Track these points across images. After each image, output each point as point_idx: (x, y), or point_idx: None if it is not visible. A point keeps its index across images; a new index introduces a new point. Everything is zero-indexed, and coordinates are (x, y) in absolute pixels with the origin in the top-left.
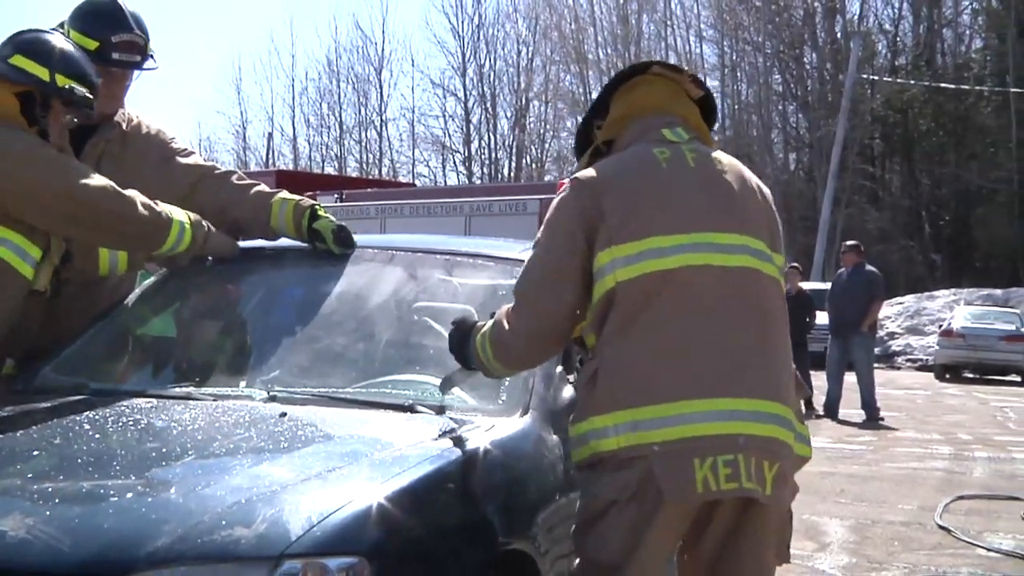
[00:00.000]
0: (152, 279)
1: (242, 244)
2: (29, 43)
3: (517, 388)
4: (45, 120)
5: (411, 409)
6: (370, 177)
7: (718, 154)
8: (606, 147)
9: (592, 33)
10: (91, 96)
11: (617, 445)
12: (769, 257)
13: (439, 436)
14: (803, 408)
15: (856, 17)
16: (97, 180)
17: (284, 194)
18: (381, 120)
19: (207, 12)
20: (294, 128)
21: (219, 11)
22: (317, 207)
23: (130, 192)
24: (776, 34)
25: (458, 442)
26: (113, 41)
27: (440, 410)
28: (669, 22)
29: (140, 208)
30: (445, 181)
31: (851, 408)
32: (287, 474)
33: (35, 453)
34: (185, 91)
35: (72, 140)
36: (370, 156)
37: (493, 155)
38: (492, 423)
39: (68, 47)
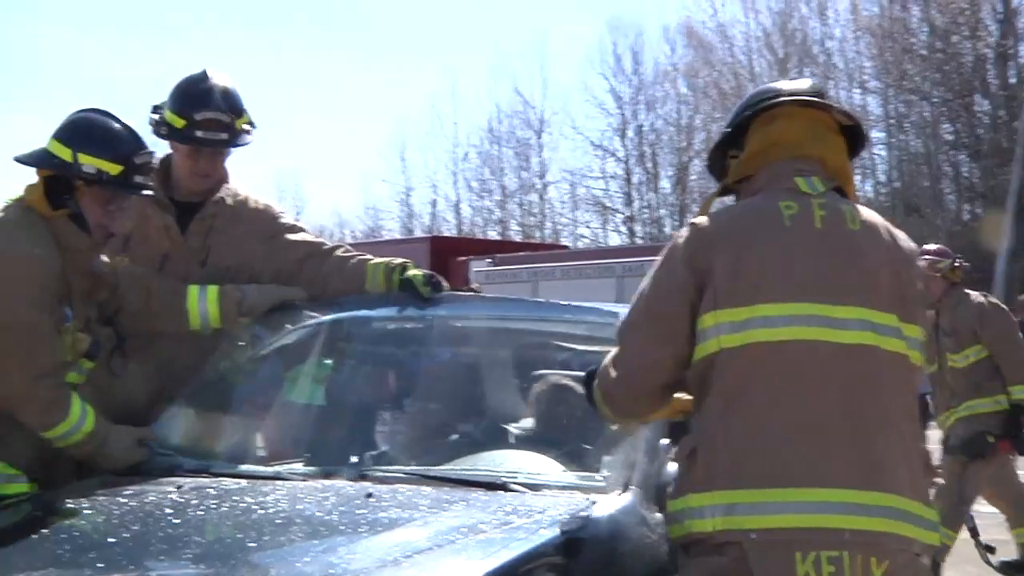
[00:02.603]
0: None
1: (344, 316)
2: (65, 126)
3: (618, 463)
4: (72, 203)
5: (504, 487)
6: (532, 240)
7: (854, 211)
8: (736, 185)
9: (751, 89)
10: (128, 175)
11: (712, 528)
12: (896, 332)
13: (532, 516)
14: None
15: None
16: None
17: (380, 259)
18: (542, 183)
19: (372, 84)
20: (457, 193)
21: (384, 82)
22: (408, 263)
23: (46, 364)
24: (944, 82)
25: (553, 522)
26: (196, 119)
27: (535, 488)
28: (830, 75)
29: (39, 386)
30: (607, 242)
31: None
32: (363, 561)
33: (110, 540)
34: (352, 161)
35: (178, 218)
36: (532, 219)
37: (655, 215)
38: (591, 501)
39: (107, 127)
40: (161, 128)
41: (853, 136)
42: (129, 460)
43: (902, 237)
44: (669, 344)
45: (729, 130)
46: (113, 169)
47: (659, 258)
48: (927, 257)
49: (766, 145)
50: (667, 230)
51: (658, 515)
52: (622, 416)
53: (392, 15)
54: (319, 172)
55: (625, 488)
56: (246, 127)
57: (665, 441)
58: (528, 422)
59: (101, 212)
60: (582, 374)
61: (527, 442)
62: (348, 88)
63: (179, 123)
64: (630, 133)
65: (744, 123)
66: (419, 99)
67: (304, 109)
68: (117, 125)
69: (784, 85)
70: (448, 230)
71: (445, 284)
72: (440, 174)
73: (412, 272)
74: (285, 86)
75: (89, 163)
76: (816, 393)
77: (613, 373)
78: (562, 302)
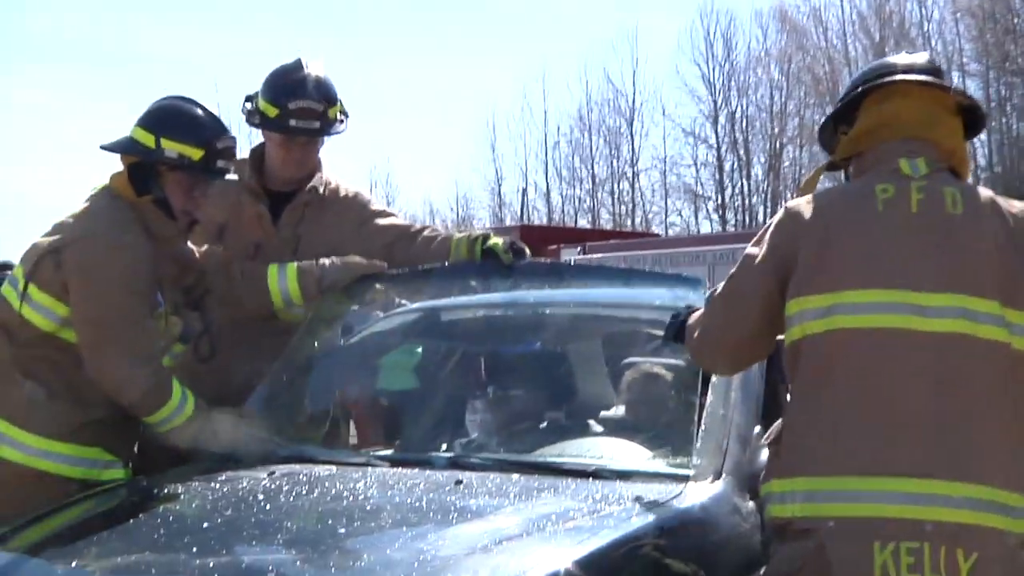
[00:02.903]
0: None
1: (434, 304)
2: (148, 112)
3: (710, 451)
4: (159, 189)
5: (595, 475)
6: (623, 229)
7: (960, 194)
8: (844, 163)
9: (846, 74)
10: (210, 159)
11: (792, 514)
12: (997, 319)
13: (623, 504)
14: None
15: None
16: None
17: (464, 233)
18: (633, 171)
19: (462, 74)
20: (547, 182)
21: (474, 72)
22: (490, 234)
23: (145, 353)
24: None
25: (644, 511)
26: (290, 108)
27: (625, 476)
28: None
29: (139, 371)
30: (698, 230)
31: None
32: (452, 548)
33: (206, 525)
34: (443, 151)
35: (271, 207)
36: (623, 207)
37: (747, 202)
38: (682, 489)
39: (189, 113)
40: (254, 117)
41: (970, 117)
42: (230, 444)
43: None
44: (738, 322)
45: (840, 105)
46: (195, 154)
47: (759, 234)
48: None
49: (877, 124)
50: (760, 217)
51: (750, 504)
52: (695, 360)
53: (481, 3)
54: (410, 163)
55: (717, 476)
56: (340, 116)
57: (758, 428)
58: (619, 410)
59: (185, 197)
60: (672, 361)
61: (616, 430)
62: (438, 78)
63: (272, 112)
64: (722, 120)
65: (856, 99)
66: (509, 88)
67: (394, 101)
68: (199, 111)
69: (900, 60)
70: (538, 219)
71: (527, 251)
72: (531, 163)
73: (493, 241)
74: (375, 78)
75: (171, 148)
76: (900, 382)
77: (694, 334)
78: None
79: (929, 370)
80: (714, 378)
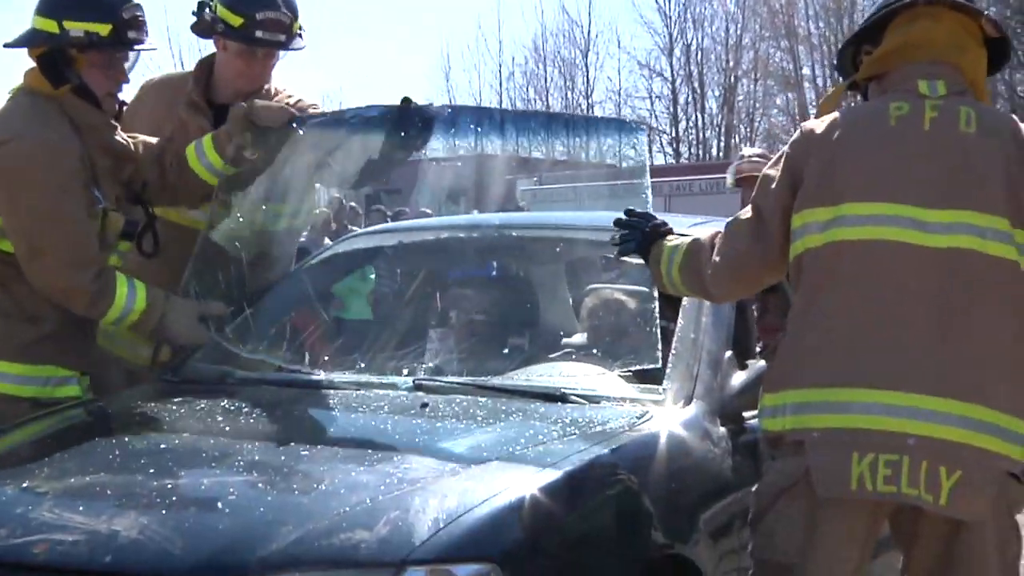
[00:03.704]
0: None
1: (397, 227)
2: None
3: (680, 375)
4: (75, 75)
5: (562, 399)
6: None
7: (975, 114)
8: (865, 82)
9: (802, 7)
10: (120, 32)
11: (783, 427)
12: (1006, 236)
13: (591, 428)
14: None
15: None
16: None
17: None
18: (588, 103)
19: (416, 3)
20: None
21: (428, 1)
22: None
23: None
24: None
25: (612, 435)
26: (257, 19)
27: (595, 400)
28: None
29: (81, 276)
30: (652, 162)
31: None
32: (419, 471)
33: (163, 447)
34: (397, 82)
35: (216, 121)
36: (578, 139)
37: (701, 135)
38: (651, 413)
39: None
40: (217, 25)
41: (996, 51)
42: (191, 337)
43: None
44: (759, 240)
45: (866, 24)
46: (103, 29)
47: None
48: None
49: (903, 44)
50: (713, 151)
51: (721, 429)
52: (697, 295)
53: None
54: (362, 89)
55: (688, 401)
56: (300, 31)
57: (728, 353)
58: (582, 336)
59: (104, 78)
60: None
61: (581, 356)
62: (391, 8)
63: (236, 21)
64: (677, 52)
65: (884, 18)
66: (464, 19)
67: (346, 25)
68: None
69: None
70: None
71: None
72: (485, 93)
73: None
74: (326, 5)
75: (76, 28)
76: (896, 295)
77: (713, 256)
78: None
79: (927, 285)
80: (685, 302)
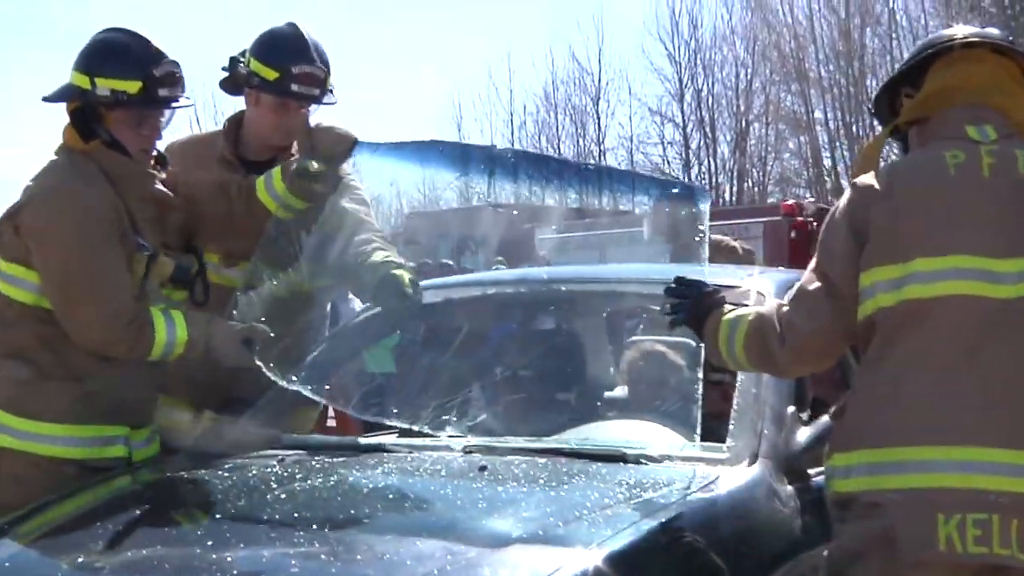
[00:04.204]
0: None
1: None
2: (81, 52)
3: (745, 433)
4: (105, 132)
5: (623, 459)
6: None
7: None
8: (906, 125)
9: (813, 51)
10: (150, 90)
11: (856, 488)
12: None
13: (659, 490)
14: None
15: None
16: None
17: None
18: (600, 150)
19: (428, 52)
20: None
21: (439, 51)
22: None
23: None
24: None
25: (678, 498)
26: (293, 72)
27: (657, 459)
28: (894, 35)
29: (116, 327)
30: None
31: None
32: (485, 539)
33: (218, 516)
34: (409, 131)
35: (247, 173)
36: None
37: (714, 180)
38: (717, 474)
39: (120, 43)
40: (252, 79)
41: None
42: (237, 360)
43: None
44: (839, 317)
45: (906, 67)
46: (131, 87)
47: (826, 221)
48: None
49: (945, 87)
50: (726, 195)
51: (789, 487)
52: (767, 372)
53: None
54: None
55: (753, 459)
56: (331, 87)
57: (792, 408)
58: (623, 391)
59: (133, 135)
60: (682, 339)
61: (629, 412)
62: (402, 58)
63: (271, 75)
64: (688, 98)
65: (925, 62)
66: (475, 68)
67: (358, 80)
68: (131, 40)
69: (969, 30)
70: (505, 198)
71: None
72: (496, 142)
73: (400, 272)
74: (337, 57)
75: (104, 86)
76: (972, 349)
77: (780, 337)
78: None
79: (1000, 338)
80: None
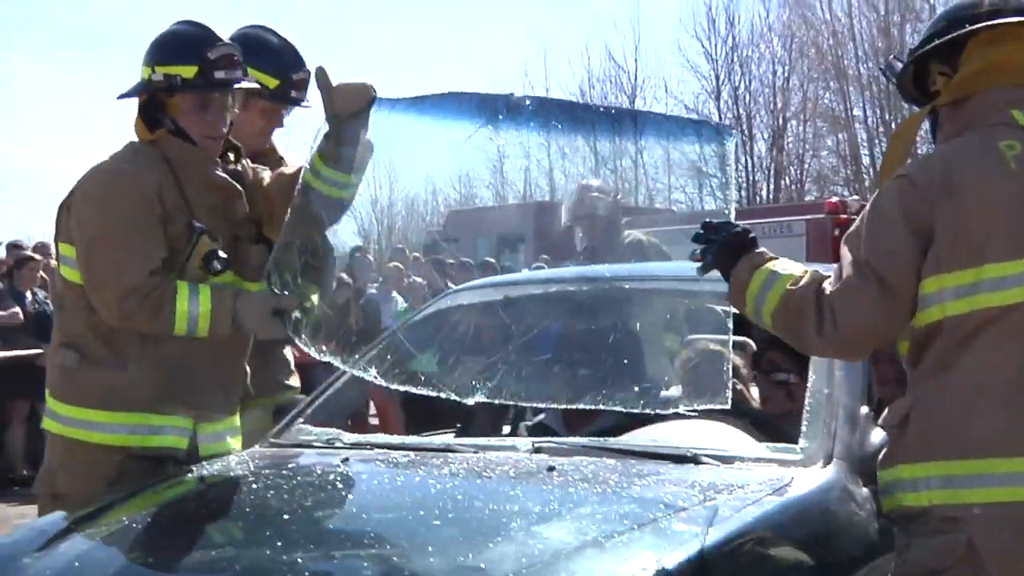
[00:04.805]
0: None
1: (501, 280)
2: (147, 48)
3: (818, 434)
4: (168, 120)
5: (694, 460)
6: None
7: None
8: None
9: (852, 48)
10: (207, 72)
11: (929, 502)
12: None
13: (733, 492)
14: None
15: None
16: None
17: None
18: (636, 148)
19: (463, 51)
20: (549, 160)
21: (475, 49)
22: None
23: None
24: None
25: (753, 499)
26: (293, 79)
27: (728, 460)
28: None
29: (128, 303)
30: (703, 206)
31: None
32: (560, 541)
33: (286, 517)
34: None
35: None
36: (625, 184)
37: (751, 178)
38: (790, 475)
39: (175, 32)
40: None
41: None
42: (267, 333)
43: None
44: (891, 313)
45: (940, 44)
46: (187, 71)
47: (866, 214)
48: None
49: (989, 66)
50: (763, 193)
51: (864, 490)
52: (789, 342)
53: None
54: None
55: (827, 460)
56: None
57: (865, 409)
58: (677, 390)
59: (196, 120)
60: (741, 339)
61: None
62: (439, 58)
63: (272, 83)
64: (724, 95)
65: (962, 38)
66: (511, 66)
67: (393, 78)
68: (189, 28)
69: (1004, 2)
70: (542, 196)
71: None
72: (532, 140)
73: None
74: (374, 57)
75: (160, 72)
76: None
77: (819, 322)
78: None
79: None
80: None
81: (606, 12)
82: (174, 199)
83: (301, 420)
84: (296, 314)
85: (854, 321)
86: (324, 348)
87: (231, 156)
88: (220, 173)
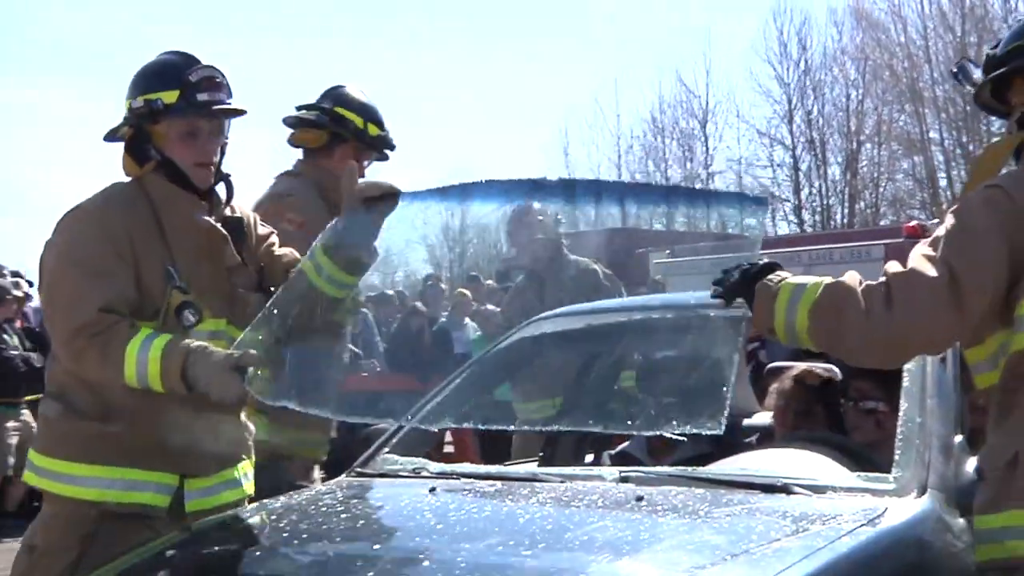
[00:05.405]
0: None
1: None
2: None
3: (911, 463)
4: (155, 151)
5: (785, 490)
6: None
7: None
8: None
9: (927, 70)
10: (188, 95)
11: None
12: None
13: (827, 523)
14: None
15: None
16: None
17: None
18: (707, 173)
19: (535, 81)
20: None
21: (546, 77)
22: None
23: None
24: None
25: (848, 530)
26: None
27: (820, 490)
28: None
29: (78, 340)
30: (776, 231)
31: None
32: (652, 572)
33: (376, 548)
34: (517, 158)
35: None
36: (700, 211)
37: (824, 202)
38: (884, 505)
39: (155, 61)
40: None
41: None
42: (226, 394)
43: None
44: (958, 310)
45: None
46: (168, 96)
47: (951, 220)
48: None
49: None
50: (837, 218)
51: (960, 520)
52: (827, 351)
53: (553, 9)
54: (485, 171)
55: (922, 491)
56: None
57: (960, 438)
58: (761, 417)
59: (184, 148)
60: (827, 365)
61: (772, 440)
62: (510, 87)
63: (360, 122)
64: (797, 119)
65: None
66: (582, 92)
67: (467, 109)
68: (168, 56)
69: None
70: (612, 223)
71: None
72: (604, 167)
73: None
74: (447, 87)
75: (142, 99)
76: None
77: (866, 311)
78: None
79: None
80: (905, 382)
81: (677, 37)
82: (150, 241)
83: (387, 450)
84: (256, 371)
85: (911, 318)
86: (287, 396)
87: (223, 197)
88: (205, 217)
